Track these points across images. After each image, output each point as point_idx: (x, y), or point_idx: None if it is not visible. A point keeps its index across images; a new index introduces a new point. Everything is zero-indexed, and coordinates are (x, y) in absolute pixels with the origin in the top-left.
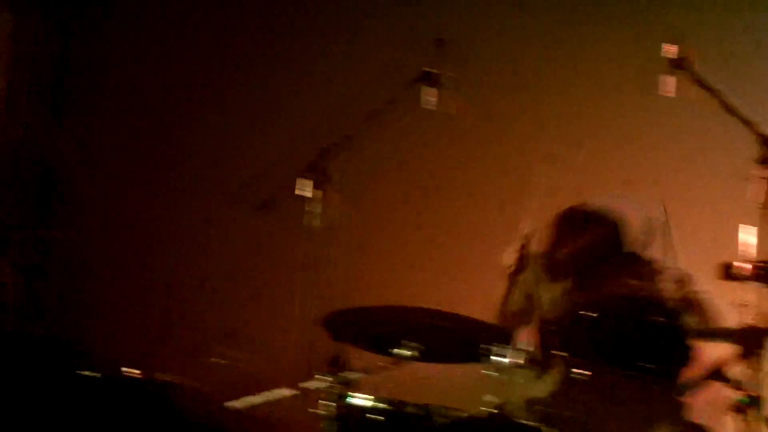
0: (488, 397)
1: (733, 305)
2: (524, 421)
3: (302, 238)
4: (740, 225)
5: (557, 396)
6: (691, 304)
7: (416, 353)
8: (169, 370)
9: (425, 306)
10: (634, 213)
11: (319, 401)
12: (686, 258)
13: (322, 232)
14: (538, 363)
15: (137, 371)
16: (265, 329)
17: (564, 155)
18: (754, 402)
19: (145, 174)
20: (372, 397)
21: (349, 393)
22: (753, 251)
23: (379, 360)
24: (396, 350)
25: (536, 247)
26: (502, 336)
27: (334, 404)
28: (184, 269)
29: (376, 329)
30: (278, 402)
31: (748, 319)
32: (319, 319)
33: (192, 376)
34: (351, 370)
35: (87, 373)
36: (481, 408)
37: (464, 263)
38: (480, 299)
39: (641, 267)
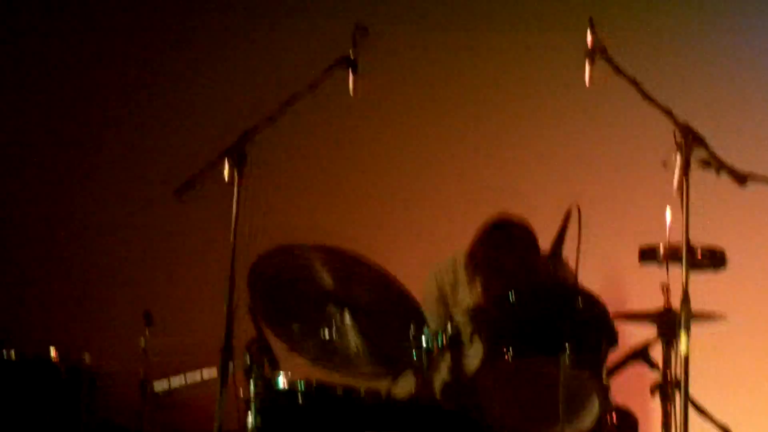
0: (410, 380)
1: (654, 287)
2: (446, 406)
3: (222, 221)
4: (668, 206)
5: (479, 380)
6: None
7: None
8: (94, 354)
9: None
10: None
11: (245, 384)
12: (611, 242)
13: (242, 215)
14: (460, 346)
15: (62, 355)
16: (187, 311)
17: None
18: (674, 384)
19: (66, 160)
20: (298, 379)
21: (275, 375)
22: (668, 235)
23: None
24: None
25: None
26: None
27: (259, 386)
28: (107, 255)
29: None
30: (202, 384)
31: (668, 301)
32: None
33: (117, 359)
34: (274, 351)
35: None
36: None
37: (383, 246)
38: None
39: (557, 262)
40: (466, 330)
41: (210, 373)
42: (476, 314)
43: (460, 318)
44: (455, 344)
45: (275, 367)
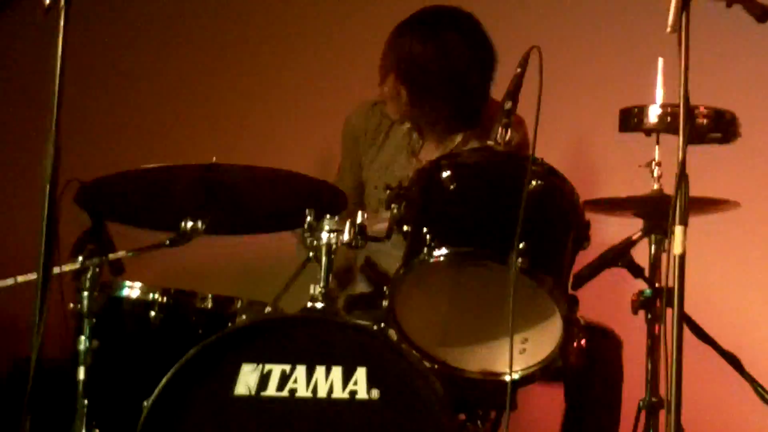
0: (312, 289)
1: (638, 166)
2: (351, 319)
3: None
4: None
5: (396, 285)
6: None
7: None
8: None
9: None
10: None
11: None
12: (582, 105)
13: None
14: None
15: None
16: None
17: None
18: (659, 293)
19: None
20: (150, 286)
21: (119, 281)
22: (659, 95)
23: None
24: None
25: None
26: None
27: (97, 295)
28: None
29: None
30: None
31: (653, 183)
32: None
33: None
34: (117, 249)
35: None
36: (309, 305)
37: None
38: None
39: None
40: (380, 212)
41: (26, 277)
42: (397, 190)
43: (374, 190)
44: (365, 236)
45: (119, 271)
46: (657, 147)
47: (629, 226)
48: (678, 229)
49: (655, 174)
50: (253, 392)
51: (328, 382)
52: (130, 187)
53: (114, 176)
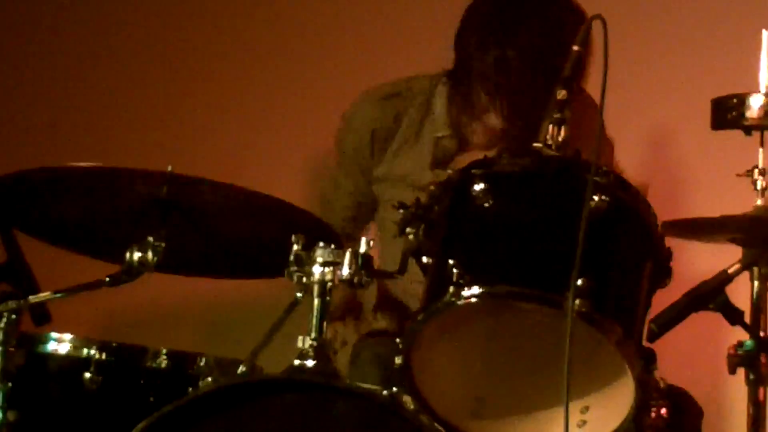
0: (300, 342)
1: (736, 175)
2: (353, 382)
3: None
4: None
5: (412, 333)
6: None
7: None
8: None
9: None
10: None
11: None
12: (661, 93)
13: None
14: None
15: None
16: None
17: None
18: (764, 346)
19: None
20: (84, 338)
21: (43, 333)
22: (764, 80)
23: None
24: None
25: None
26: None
27: (14, 351)
28: None
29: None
30: None
31: (756, 198)
32: None
33: None
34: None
35: None
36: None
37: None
38: None
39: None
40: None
41: None
42: (413, 209)
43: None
44: (371, 271)
45: (43, 319)
46: (761, 150)
47: (724, 255)
48: None
49: (759, 185)
50: None
51: None
52: (57, 194)
53: (32, 172)
